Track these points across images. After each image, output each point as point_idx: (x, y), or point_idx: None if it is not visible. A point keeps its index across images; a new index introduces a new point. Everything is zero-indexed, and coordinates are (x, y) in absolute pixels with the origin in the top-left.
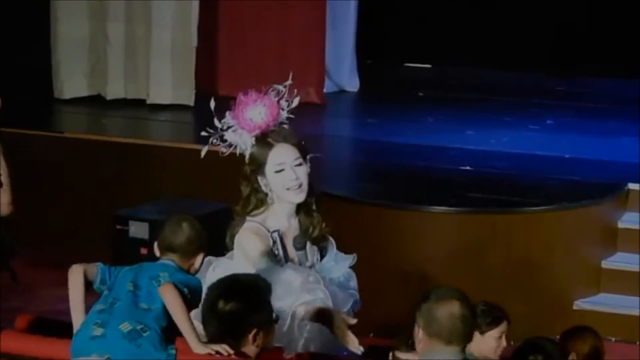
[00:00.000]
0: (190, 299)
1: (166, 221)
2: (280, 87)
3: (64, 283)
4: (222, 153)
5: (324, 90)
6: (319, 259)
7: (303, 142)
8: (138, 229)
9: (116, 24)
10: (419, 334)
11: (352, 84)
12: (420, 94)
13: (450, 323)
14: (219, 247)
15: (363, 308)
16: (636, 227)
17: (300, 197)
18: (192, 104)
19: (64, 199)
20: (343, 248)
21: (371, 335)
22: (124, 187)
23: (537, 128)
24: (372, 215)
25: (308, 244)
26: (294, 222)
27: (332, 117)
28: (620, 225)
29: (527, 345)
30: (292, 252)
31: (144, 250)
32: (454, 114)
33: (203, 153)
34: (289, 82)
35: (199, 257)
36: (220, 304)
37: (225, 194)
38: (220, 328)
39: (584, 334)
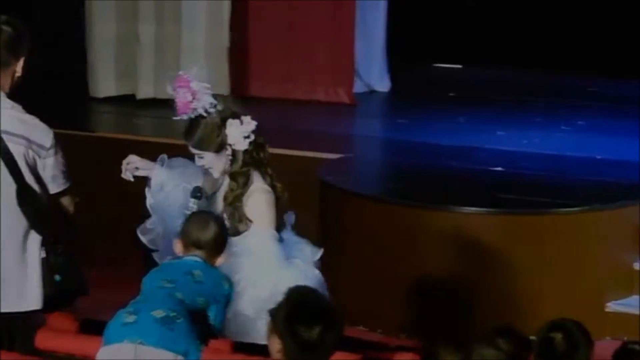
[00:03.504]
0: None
1: (190, 217)
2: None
3: (100, 284)
4: None
5: (354, 90)
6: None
7: (213, 136)
8: None
9: (147, 25)
10: None
11: (383, 85)
12: (451, 94)
13: None
14: None
15: (394, 310)
16: None
17: (214, 174)
18: None
19: (98, 199)
20: (373, 248)
21: (402, 336)
22: None
23: (569, 129)
24: (402, 216)
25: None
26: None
27: (362, 117)
28: None
29: (550, 324)
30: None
31: None
32: (485, 114)
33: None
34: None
35: (222, 256)
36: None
37: None
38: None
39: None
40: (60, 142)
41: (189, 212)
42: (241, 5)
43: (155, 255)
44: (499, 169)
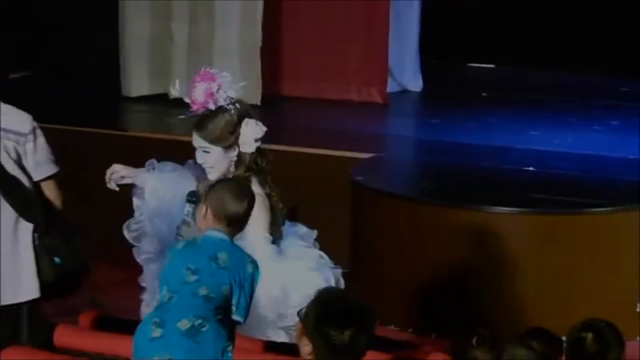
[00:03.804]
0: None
1: (223, 185)
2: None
3: (124, 281)
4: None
5: (387, 90)
6: None
7: (228, 131)
8: None
9: (180, 24)
10: None
11: (415, 84)
12: (484, 94)
13: None
14: None
15: (426, 309)
16: None
17: (210, 175)
18: (258, 103)
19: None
20: (405, 247)
21: (433, 335)
22: None
23: (602, 129)
24: (434, 215)
25: None
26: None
27: (394, 117)
28: None
29: (581, 324)
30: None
31: None
32: (517, 114)
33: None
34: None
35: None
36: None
37: (289, 193)
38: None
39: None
40: (103, 141)
41: (187, 218)
42: (274, 4)
43: (134, 250)
44: (531, 168)
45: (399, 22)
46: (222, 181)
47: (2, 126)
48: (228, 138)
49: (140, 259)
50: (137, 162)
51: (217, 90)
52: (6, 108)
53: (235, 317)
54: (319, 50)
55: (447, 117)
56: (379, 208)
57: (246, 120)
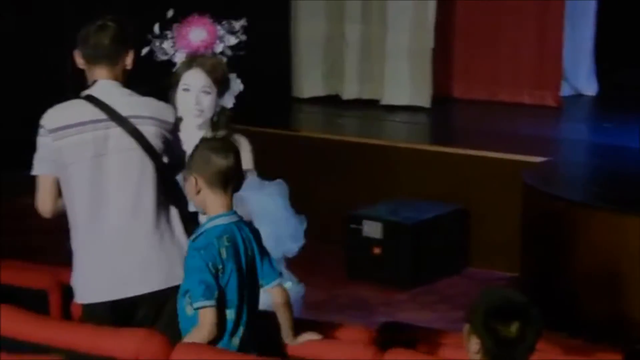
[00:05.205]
0: None
1: (198, 148)
2: (237, 24)
3: None
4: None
5: (561, 93)
6: None
7: (225, 77)
8: (371, 229)
9: (353, 25)
10: None
11: (590, 88)
12: None
13: None
14: (457, 249)
15: (597, 316)
16: None
17: (197, 121)
18: (428, 105)
19: (298, 197)
20: (577, 252)
21: (605, 344)
22: (357, 187)
23: None
24: (606, 221)
25: None
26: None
27: (568, 120)
28: None
29: None
30: None
31: (377, 250)
32: None
33: (144, 52)
34: (243, 21)
35: None
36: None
37: (460, 195)
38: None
39: None
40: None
41: None
42: (447, 6)
43: None
44: None
45: (574, 25)
46: (197, 146)
47: (154, 116)
48: (224, 84)
49: None
50: (308, 162)
51: (224, 35)
52: (150, 99)
53: (267, 286)
54: (491, 52)
55: (621, 122)
56: (550, 212)
57: (231, 75)
